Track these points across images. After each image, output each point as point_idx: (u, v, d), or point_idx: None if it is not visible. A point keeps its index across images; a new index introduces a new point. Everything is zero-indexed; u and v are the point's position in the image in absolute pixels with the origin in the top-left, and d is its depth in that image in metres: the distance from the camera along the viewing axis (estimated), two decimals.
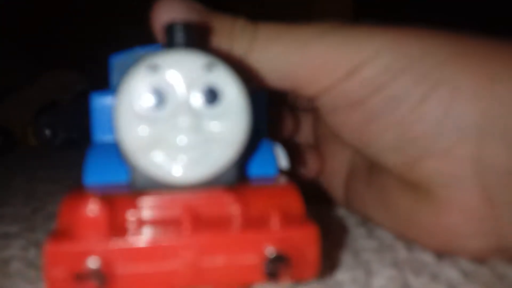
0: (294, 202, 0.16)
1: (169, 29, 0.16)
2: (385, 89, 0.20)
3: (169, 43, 0.16)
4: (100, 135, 0.19)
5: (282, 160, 0.20)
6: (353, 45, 0.20)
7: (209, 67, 0.14)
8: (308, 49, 0.20)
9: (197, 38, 0.16)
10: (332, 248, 0.22)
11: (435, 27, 0.21)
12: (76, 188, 0.17)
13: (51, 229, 0.25)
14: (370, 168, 0.25)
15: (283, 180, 0.18)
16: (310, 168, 0.27)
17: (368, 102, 0.20)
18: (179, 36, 0.16)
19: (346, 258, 0.21)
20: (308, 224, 0.15)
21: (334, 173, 0.27)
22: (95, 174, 0.18)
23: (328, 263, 0.20)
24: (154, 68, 0.14)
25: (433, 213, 0.20)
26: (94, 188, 0.17)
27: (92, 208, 0.14)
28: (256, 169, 0.19)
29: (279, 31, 0.21)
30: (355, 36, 0.20)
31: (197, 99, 0.14)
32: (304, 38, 0.20)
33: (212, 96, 0.14)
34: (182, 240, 0.14)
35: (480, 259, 0.20)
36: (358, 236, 0.23)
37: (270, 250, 0.14)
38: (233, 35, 0.21)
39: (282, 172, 0.19)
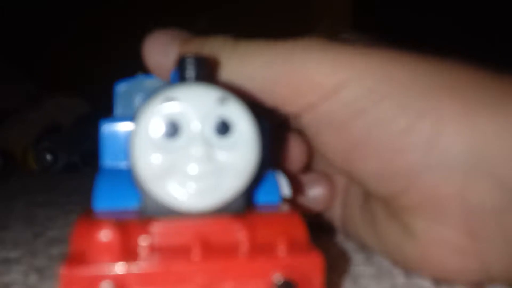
0: (299, 229, 0.17)
1: (181, 62, 0.17)
2: (368, 113, 0.19)
3: (181, 75, 0.17)
4: (108, 161, 0.20)
5: (284, 187, 0.20)
6: (336, 64, 0.20)
7: (222, 101, 0.15)
8: (288, 64, 0.20)
9: (207, 71, 0.17)
10: (333, 275, 0.22)
11: (424, 50, 0.21)
12: (86, 213, 0.18)
13: (53, 253, 0.25)
14: (363, 192, 0.25)
15: (286, 207, 0.19)
16: (324, 198, 0.26)
17: (350, 126, 0.20)
18: (191, 68, 0.17)
19: (345, 284, 0.21)
20: (313, 252, 0.16)
21: (333, 199, 0.27)
22: (104, 199, 0.18)
23: None
24: (170, 100, 0.15)
25: (418, 248, 0.20)
26: (104, 213, 0.18)
27: (106, 233, 0.14)
28: (259, 196, 0.19)
29: (258, 46, 0.21)
30: (339, 55, 0.20)
31: (210, 131, 0.15)
32: (285, 53, 0.20)
33: (224, 128, 0.15)
34: (192, 266, 0.15)
35: (477, 285, 0.20)
36: (356, 262, 0.24)
37: (277, 277, 0.15)
38: (213, 49, 0.21)
39: (284, 200, 0.20)
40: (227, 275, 0.15)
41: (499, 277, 0.20)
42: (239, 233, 0.16)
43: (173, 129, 0.15)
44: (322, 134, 0.21)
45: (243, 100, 0.16)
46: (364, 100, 0.19)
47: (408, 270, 0.22)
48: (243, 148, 0.16)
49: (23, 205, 0.41)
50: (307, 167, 0.27)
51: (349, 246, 0.26)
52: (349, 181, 0.26)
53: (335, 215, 0.27)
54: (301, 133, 0.26)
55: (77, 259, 0.15)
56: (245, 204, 0.17)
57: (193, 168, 0.15)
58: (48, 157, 0.50)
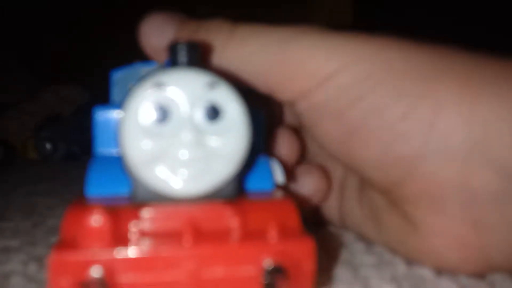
0: (291, 216, 0.17)
1: (173, 48, 0.17)
2: (364, 100, 0.19)
3: (173, 61, 0.17)
4: (101, 148, 0.20)
5: (279, 175, 0.21)
6: (332, 50, 0.20)
7: (211, 85, 0.15)
8: (285, 49, 0.20)
9: (199, 56, 0.18)
10: (328, 262, 0.22)
11: (421, 38, 0.20)
12: (79, 200, 0.18)
13: (52, 242, 0.25)
14: (361, 183, 0.25)
15: (279, 194, 0.19)
16: (319, 190, 0.25)
17: (347, 113, 0.20)
18: (183, 54, 0.17)
19: (345, 273, 0.21)
20: (304, 237, 0.16)
21: (329, 191, 0.26)
22: (96, 186, 0.19)
23: (325, 276, 0.21)
24: (160, 85, 0.15)
25: (420, 238, 0.20)
26: (96, 199, 0.18)
27: (96, 219, 0.15)
28: (253, 183, 0.19)
29: (257, 29, 0.21)
30: (336, 41, 0.20)
31: (200, 116, 0.15)
32: (282, 38, 0.20)
33: (214, 113, 0.15)
34: (183, 251, 0.15)
35: (479, 275, 0.20)
36: (356, 251, 0.24)
37: (268, 262, 0.15)
38: (210, 32, 0.21)
39: (278, 187, 0.20)
40: (217, 261, 0.15)
41: (501, 267, 0.20)
42: (230, 219, 0.16)
43: (162, 115, 0.15)
44: (318, 122, 0.21)
45: (235, 85, 0.16)
46: (360, 87, 0.19)
47: (409, 260, 0.22)
48: (233, 133, 0.16)
49: (23, 195, 0.41)
50: (300, 160, 0.27)
51: (349, 237, 0.26)
52: (345, 172, 0.26)
53: (332, 208, 0.27)
54: (293, 126, 0.27)
55: (67, 244, 0.15)
56: (236, 190, 0.17)
57: (183, 154, 0.15)
58: (48, 146, 0.51)
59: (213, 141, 0.16)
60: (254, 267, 0.15)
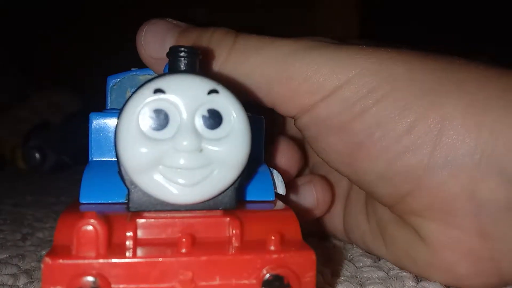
0: (291, 227, 0.17)
1: (173, 53, 0.17)
2: (369, 114, 0.19)
3: (172, 67, 0.17)
4: (97, 155, 0.20)
5: (279, 185, 0.20)
6: (337, 64, 0.20)
7: (212, 92, 0.15)
8: (288, 65, 0.20)
9: (199, 62, 0.18)
10: (330, 275, 0.22)
11: (426, 48, 0.21)
12: (72, 207, 0.18)
13: (42, 255, 0.25)
14: (367, 196, 0.24)
15: (279, 205, 0.19)
16: (322, 201, 0.25)
17: (350, 126, 0.20)
18: (182, 60, 0.17)
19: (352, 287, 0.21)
20: (305, 249, 0.16)
21: (333, 203, 0.26)
22: (91, 193, 0.18)
23: None
24: (159, 91, 0.15)
25: (429, 252, 0.20)
26: (90, 207, 0.18)
27: (91, 226, 0.14)
28: (253, 193, 0.19)
29: (259, 42, 0.21)
30: (339, 55, 0.20)
31: (200, 123, 0.15)
32: (285, 53, 0.20)
33: (214, 120, 0.15)
34: (180, 260, 0.15)
35: None
36: (364, 266, 0.23)
37: (266, 272, 0.15)
38: (212, 43, 0.21)
39: (278, 197, 0.20)
40: (215, 270, 0.15)
41: None
42: (229, 229, 0.16)
43: (162, 121, 0.15)
44: (321, 136, 0.21)
45: (236, 92, 0.16)
46: (364, 100, 0.19)
47: (418, 275, 0.21)
48: (234, 141, 0.16)
49: (11, 206, 0.41)
50: (302, 170, 0.27)
51: (355, 251, 0.26)
52: (350, 184, 0.26)
53: (336, 221, 0.26)
54: (295, 136, 0.27)
55: (61, 251, 0.15)
56: (236, 199, 0.17)
57: (182, 161, 0.15)
58: (37, 155, 0.50)
59: (213, 148, 0.15)
60: (252, 277, 0.15)
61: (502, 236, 0.19)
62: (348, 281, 0.21)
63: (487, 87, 0.19)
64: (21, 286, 0.22)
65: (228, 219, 0.16)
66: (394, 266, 0.23)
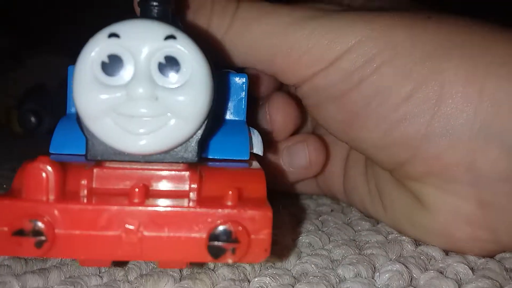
0: (256, 185, 0.17)
1: (142, 2, 0.16)
2: (367, 83, 0.19)
3: (141, 15, 0.17)
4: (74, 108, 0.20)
5: (257, 146, 0.20)
6: (336, 35, 0.20)
7: (171, 38, 0.15)
8: (288, 35, 0.20)
9: (171, 13, 0.17)
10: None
11: (427, 13, 0.20)
12: (40, 157, 0.18)
13: None
14: (366, 160, 0.24)
15: (255, 165, 0.19)
16: (315, 162, 0.26)
17: (350, 96, 0.20)
18: (151, 9, 0.16)
19: (350, 252, 0.21)
20: (262, 206, 0.15)
21: (332, 164, 0.27)
22: (60, 144, 0.18)
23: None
24: (114, 36, 0.15)
25: (429, 217, 0.20)
26: (58, 157, 0.18)
27: (42, 170, 0.14)
28: (227, 151, 0.19)
29: (260, 11, 0.21)
30: (338, 23, 0.20)
31: (156, 70, 0.15)
32: (285, 23, 0.20)
33: (171, 67, 0.15)
34: (126, 209, 0.14)
35: (487, 255, 0.20)
36: (362, 230, 0.24)
37: (217, 228, 0.15)
38: (213, 12, 0.21)
39: (254, 157, 0.20)
40: (163, 222, 0.15)
41: (511, 248, 0.20)
42: (185, 182, 0.16)
43: (115, 67, 0.15)
44: (320, 105, 0.21)
45: (203, 42, 0.16)
46: (362, 69, 0.19)
47: (416, 239, 0.21)
48: (191, 91, 0.15)
49: (8, 171, 0.41)
50: (299, 130, 0.27)
51: (354, 215, 0.26)
52: (350, 148, 0.25)
53: (337, 183, 0.27)
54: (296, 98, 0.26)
55: (12, 194, 0.15)
56: (199, 154, 0.16)
57: (136, 108, 0.15)
58: (33, 119, 0.50)
59: (170, 97, 0.15)
60: (202, 231, 0.15)
61: (501, 207, 0.19)
62: (346, 245, 0.21)
63: (490, 54, 0.18)
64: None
65: (188, 173, 0.16)
66: (393, 230, 0.23)
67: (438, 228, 0.20)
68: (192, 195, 0.16)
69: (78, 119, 0.16)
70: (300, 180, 0.27)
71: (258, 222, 0.15)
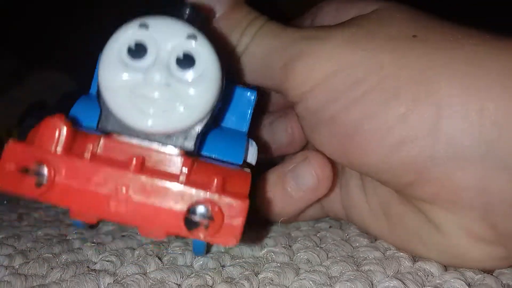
0: (241, 184, 0.18)
1: (177, 6, 0.19)
2: (357, 104, 0.19)
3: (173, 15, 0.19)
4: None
5: (251, 155, 0.22)
6: (325, 56, 0.20)
7: (192, 37, 0.17)
8: (285, 55, 0.21)
9: (201, 19, 0.19)
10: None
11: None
12: (57, 114, 0.19)
13: (38, 236, 0.26)
14: (362, 176, 0.24)
15: (242, 168, 0.20)
16: (323, 176, 0.24)
17: (339, 118, 0.20)
18: (182, 11, 0.19)
19: (348, 269, 0.21)
20: (242, 199, 0.17)
21: (335, 177, 0.25)
22: (79, 115, 0.20)
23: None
24: (143, 26, 0.17)
25: (440, 235, 0.20)
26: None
27: (55, 124, 0.17)
28: (223, 153, 0.21)
29: (269, 31, 0.22)
30: (323, 47, 0.20)
31: (174, 61, 0.17)
32: (285, 44, 0.21)
33: (187, 61, 0.17)
34: (121, 172, 0.16)
35: (488, 270, 0.20)
36: (360, 246, 0.24)
37: (197, 206, 0.16)
38: (241, 26, 0.22)
39: (246, 164, 0.21)
40: (151, 191, 0.16)
41: None
42: (178, 165, 0.18)
43: (139, 51, 0.17)
44: (314, 128, 0.22)
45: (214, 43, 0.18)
46: (352, 92, 0.19)
47: (426, 257, 0.21)
48: (201, 85, 0.17)
49: None
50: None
51: (352, 231, 0.26)
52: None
53: (336, 202, 0.26)
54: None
55: (26, 141, 0.17)
56: (196, 145, 0.18)
57: (150, 91, 0.17)
58: None
59: (183, 87, 0.17)
60: (183, 207, 0.16)
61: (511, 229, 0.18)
62: (344, 261, 0.22)
63: (486, 67, 0.18)
64: (17, 266, 0.22)
65: (182, 158, 0.18)
66: (391, 246, 0.23)
67: (452, 249, 0.20)
68: (182, 177, 0.17)
69: (98, 93, 0.18)
70: (309, 204, 0.25)
71: (234, 209, 0.17)
